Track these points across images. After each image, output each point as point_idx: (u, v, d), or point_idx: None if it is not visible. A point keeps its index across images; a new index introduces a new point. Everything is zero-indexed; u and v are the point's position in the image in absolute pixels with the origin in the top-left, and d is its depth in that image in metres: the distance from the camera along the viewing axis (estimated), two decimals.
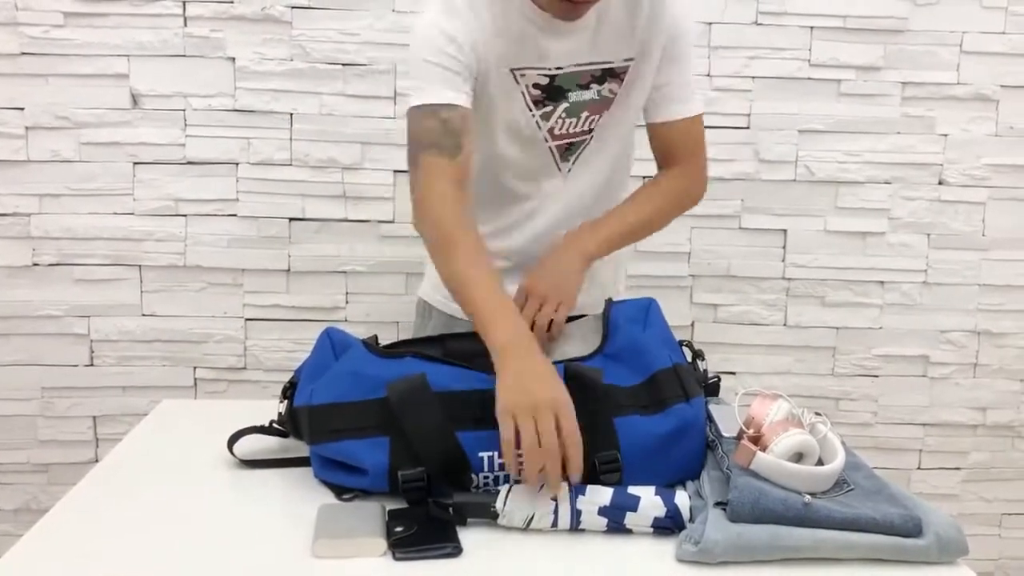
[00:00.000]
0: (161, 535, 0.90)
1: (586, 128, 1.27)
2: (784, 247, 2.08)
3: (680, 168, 1.31)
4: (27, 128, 1.93)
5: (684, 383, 1.03)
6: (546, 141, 1.26)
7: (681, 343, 1.13)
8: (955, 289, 2.11)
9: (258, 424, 1.11)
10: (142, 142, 1.95)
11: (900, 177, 2.07)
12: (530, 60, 1.20)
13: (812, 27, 2.00)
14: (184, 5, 1.92)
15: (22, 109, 1.93)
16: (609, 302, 1.15)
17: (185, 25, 1.93)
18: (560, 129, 1.26)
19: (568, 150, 1.29)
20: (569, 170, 1.30)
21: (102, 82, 1.93)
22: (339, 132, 1.96)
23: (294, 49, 1.94)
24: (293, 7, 1.93)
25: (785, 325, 2.11)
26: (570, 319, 1.20)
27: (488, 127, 1.25)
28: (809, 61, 2.01)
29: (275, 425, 1.10)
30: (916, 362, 2.14)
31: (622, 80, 1.25)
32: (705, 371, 1.13)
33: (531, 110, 1.23)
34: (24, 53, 1.91)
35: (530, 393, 0.91)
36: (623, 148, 1.35)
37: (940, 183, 2.07)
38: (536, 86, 1.22)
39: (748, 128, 2.03)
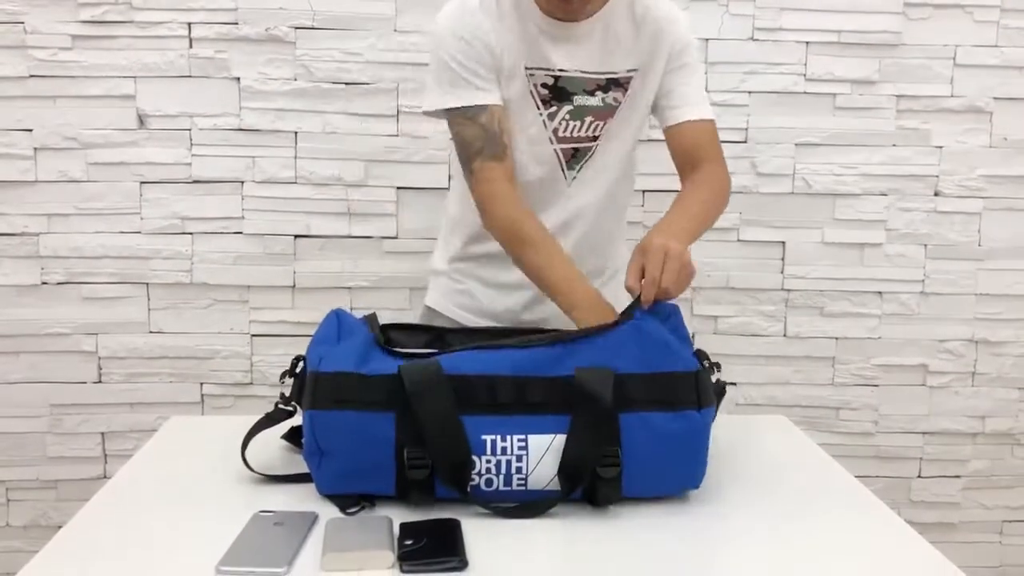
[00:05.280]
0: (173, 552, 0.92)
1: (591, 134, 1.31)
2: (783, 259, 2.10)
3: (704, 168, 1.31)
4: (35, 149, 1.96)
5: (700, 391, 1.03)
6: (551, 143, 1.30)
7: (697, 352, 1.10)
8: (953, 299, 2.13)
9: (263, 424, 1.11)
10: (148, 162, 1.98)
11: (896, 189, 2.09)
12: (537, 61, 1.26)
13: (807, 42, 2.03)
14: (189, 27, 1.95)
15: (30, 130, 1.96)
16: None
17: (190, 46, 1.96)
18: (564, 131, 1.30)
19: (574, 157, 1.33)
20: (574, 178, 1.34)
21: (109, 103, 1.96)
22: (343, 150, 1.99)
23: (298, 69, 1.97)
24: (296, 27, 1.96)
25: (785, 336, 2.13)
26: None
27: None
28: (805, 76, 2.04)
29: (280, 407, 1.10)
30: (915, 371, 2.16)
31: (626, 90, 1.30)
32: (717, 380, 1.11)
33: (539, 109, 1.28)
34: (32, 75, 1.94)
35: None
36: (625, 163, 1.38)
37: (936, 194, 2.10)
38: (544, 86, 1.27)
39: (746, 142, 2.06)
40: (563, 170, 1.33)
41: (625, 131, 1.34)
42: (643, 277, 1.07)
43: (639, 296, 1.07)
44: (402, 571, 0.87)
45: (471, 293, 1.41)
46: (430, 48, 1.28)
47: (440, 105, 1.25)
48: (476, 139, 1.23)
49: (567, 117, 1.29)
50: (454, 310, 1.43)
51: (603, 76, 1.29)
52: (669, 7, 1.33)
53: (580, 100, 1.29)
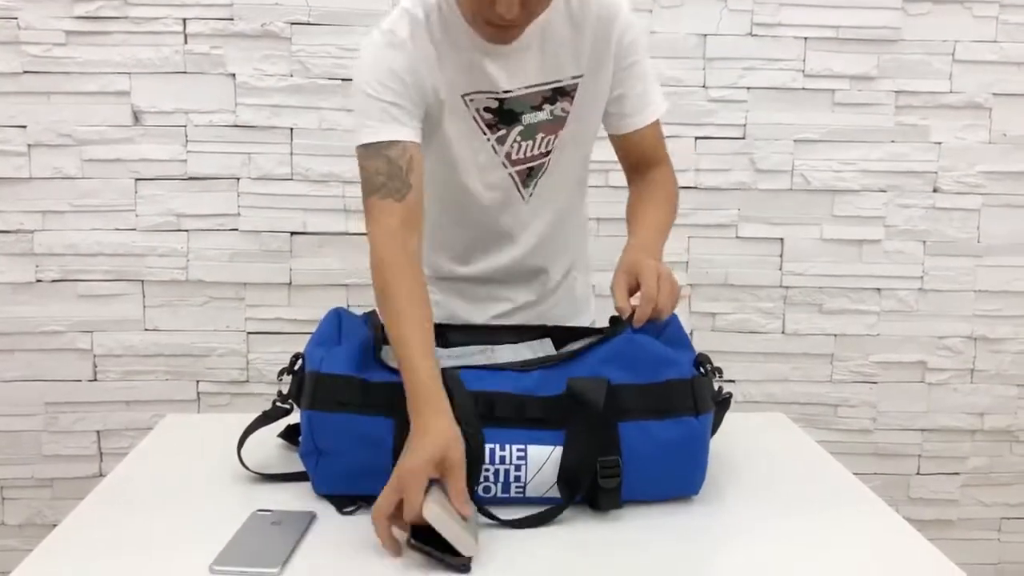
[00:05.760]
0: (167, 550, 0.92)
1: (544, 150, 1.25)
2: (781, 255, 2.10)
3: (653, 172, 1.29)
4: (29, 146, 1.95)
5: (697, 397, 1.02)
6: (504, 167, 1.24)
7: (698, 357, 1.09)
8: (951, 295, 2.13)
9: (260, 423, 1.10)
10: (144, 158, 1.97)
11: (895, 185, 2.08)
12: (478, 85, 1.18)
13: (806, 38, 2.02)
14: (184, 22, 1.94)
15: (24, 127, 1.95)
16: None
17: (185, 42, 1.95)
18: (517, 154, 1.24)
19: (529, 176, 1.27)
20: (531, 194, 1.28)
21: (104, 99, 1.95)
22: (339, 146, 1.98)
23: (294, 65, 1.96)
24: (292, 23, 1.95)
25: (783, 333, 2.12)
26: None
27: (448, 158, 1.23)
28: (803, 71, 2.03)
29: (278, 404, 1.09)
30: (914, 368, 2.15)
31: (572, 98, 1.23)
32: (720, 388, 1.11)
33: (485, 134, 1.21)
34: (26, 71, 1.93)
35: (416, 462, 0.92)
36: (581, 167, 1.33)
37: (935, 191, 2.09)
38: (487, 110, 1.20)
39: (744, 138, 2.05)
40: (520, 191, 1.27)
41: (579, 140, 1.28)
42: (631, 295, 1.05)
43: (630, 315, 1.03)
44: (409, 544, 0.87)
45: (440, 304, 1.35)
46: (355, 83, 1.17)
47: (356, 141, 1.15)
48: (378, 173, 1.13)
49: (518, 139, 1.22)
50: None
51: (548, 86, 1.21)
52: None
53: (529, 118, 1.22)
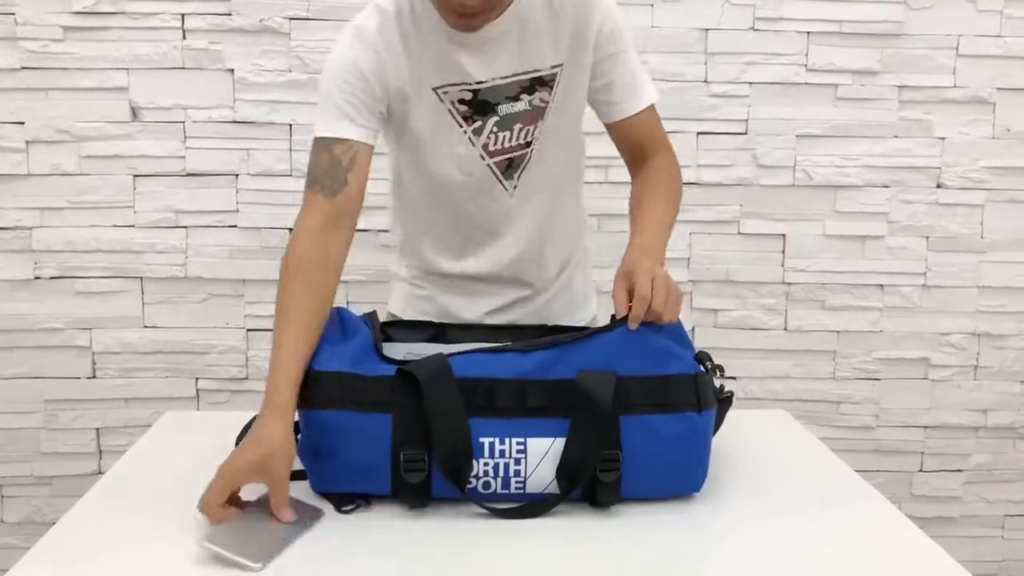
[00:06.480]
0: (166, 548, 0.91)
1: (523, 141, 1.24)
2: (783, 251, 2.09)
3: (655, 158, 1.28)
4: (27, 142, 1.94)
5: (700, 393, 1.02)
6: (483, 159, 1.23)
7: (699, 355, 1.08)
8: (955, 292, 2.12)
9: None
10: (142, 154, 1.96)
11: (898, 181, 2.07)
12: (451, 77, 1.18)
13: (808, 32, 2.01)
14: (183, 18, 1.93)
15: (22, 123, 1.94)
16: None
17: (184, 38, 1.94)
18: (495, 145, 1.23)
19: (510, 167, 1.26)
20: (515, 187, 1.27)
21: (102, 95, 1.94)
22: None
23: (292, 60, 1.95)
24: (291, 18, 1.94)
25: (785, 329, 2.11)
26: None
27: (423, 153, 1.23)
28: (806, 66, 2.02)
29: None
30: (917, 365, 2.14)
31: (552, 88, 1.22)
32: (722, 387, 1.10)
33: (462, 126, 1.21)
34: (24, 67, 1.92)
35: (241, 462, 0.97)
36: (569, 158, 1.31)
37: (938, 186, 2.08)
38: (462, 102, 1.20)
39: (746, 134, 2.04)
40: (501, 183, 1.26)
41: (562, 129, 1.27)
42: (630, 300, 1.04)
43: (626, 315, 1.03)
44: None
45: (433, 299, 1.36)
46: (321, 77, 1.19)
47: (314, 134, 1.18)
48: (318, 167, 1.16)
49: (495, 129, 1.22)
50: (418, 317, 1.37)
51: (526, 77, 1.20)
52: None
53: (505, 109, 1.21)
